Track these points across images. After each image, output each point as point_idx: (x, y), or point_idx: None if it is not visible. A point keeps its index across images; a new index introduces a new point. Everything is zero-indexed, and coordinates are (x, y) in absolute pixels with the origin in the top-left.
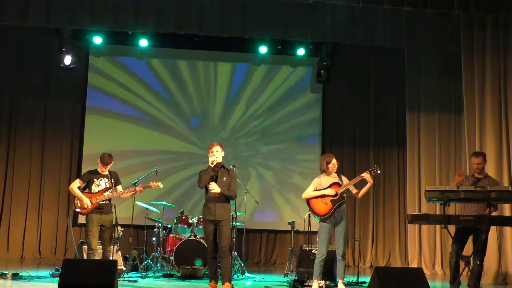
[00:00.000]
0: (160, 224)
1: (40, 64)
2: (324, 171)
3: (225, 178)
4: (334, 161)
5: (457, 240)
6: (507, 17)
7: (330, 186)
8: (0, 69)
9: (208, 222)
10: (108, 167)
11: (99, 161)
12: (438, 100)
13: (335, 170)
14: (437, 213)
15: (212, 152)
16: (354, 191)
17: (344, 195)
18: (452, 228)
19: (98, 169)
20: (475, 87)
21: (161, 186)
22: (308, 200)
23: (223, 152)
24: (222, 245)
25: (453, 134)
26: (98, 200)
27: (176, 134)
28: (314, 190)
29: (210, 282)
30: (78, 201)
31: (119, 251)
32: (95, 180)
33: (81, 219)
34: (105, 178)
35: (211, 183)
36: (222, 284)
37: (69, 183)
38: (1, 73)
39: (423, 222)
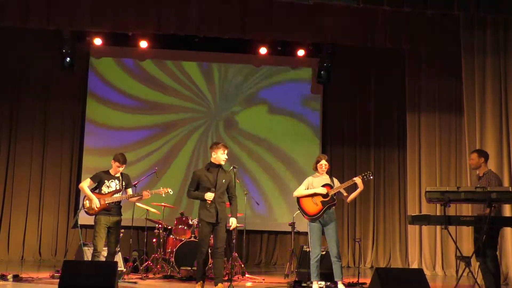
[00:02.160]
0: (160, 226)
1: (40, 65)
2: (314, 170)
3: (224, 180)
4: (323, 162)
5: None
6: (507, 17)
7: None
8: (1, 70)
9: (206, 224)
10: (122, 167)
11: (113, 161)
12: (438, 100)
13: (324, 171)
14: (438, 213)
15: (224, 154)
16: (344, 194)
17: (335, 197)
18: (452, 229)
19: (111, 171)
20: (475, 87)
21: (171, 193)
22: (298, 199)
23: None
24: (218, 246)
25: (454, 134)
26: (106, 202)
27: (177, 135)
28: (305, 189)
29: (198, 283)
30: (87, 201)
31: (120, 253)
32: (105, 181)
33: (83, 221)
34: (116, 180)
35: (207, 194)
36: (215, 285)
37: (69, 185)
38: (2, 75)
39: (424, 223)
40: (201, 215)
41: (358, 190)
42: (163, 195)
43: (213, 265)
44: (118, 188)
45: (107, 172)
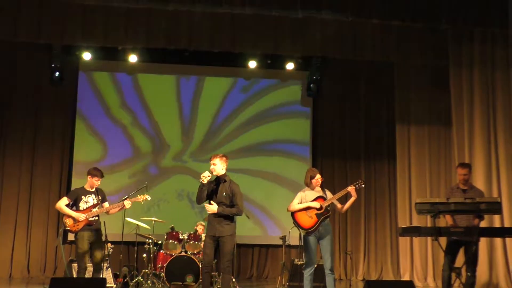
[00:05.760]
0: (150, 240)
1: (29, 79)
2: (308, 185)
3: (224, 193)
4: (318, 176)
5: (449, 253)
6: (494, 31)
7: (315, 200)
8: None
9: (209, 237)
10: (100, 181)
11: (90, 177)
12: (428, 113)
13: (319, 185)
14: (428, 225)
15: (212, 165)
16: (338, 205)
17: (329, 208)
18: (443, 241)
19: (85, 186)
20: (463, 100)
21: (149, 199)
22: (293, 214)
23: (224, 164)
24: (223, 262)
25: (443, 146)
26: (87, 217)
27: (166, 149)
28: (299, 203)
29: None
30: (67, 219)
31: (109, 269)
32: (82, 197)
33: (71, 236)
34: (92, 195)
35: (206, 205)
36: None
37: (59, 200)
38: None
39: (414, 235)
40: (206, 229)
41: (352, 199)
42: (142, 202)
43: (221, 281)
44: (95, 202)
45: (82, 189)
